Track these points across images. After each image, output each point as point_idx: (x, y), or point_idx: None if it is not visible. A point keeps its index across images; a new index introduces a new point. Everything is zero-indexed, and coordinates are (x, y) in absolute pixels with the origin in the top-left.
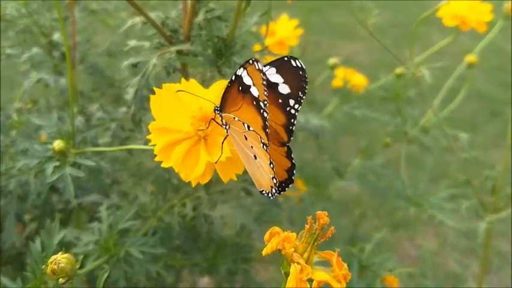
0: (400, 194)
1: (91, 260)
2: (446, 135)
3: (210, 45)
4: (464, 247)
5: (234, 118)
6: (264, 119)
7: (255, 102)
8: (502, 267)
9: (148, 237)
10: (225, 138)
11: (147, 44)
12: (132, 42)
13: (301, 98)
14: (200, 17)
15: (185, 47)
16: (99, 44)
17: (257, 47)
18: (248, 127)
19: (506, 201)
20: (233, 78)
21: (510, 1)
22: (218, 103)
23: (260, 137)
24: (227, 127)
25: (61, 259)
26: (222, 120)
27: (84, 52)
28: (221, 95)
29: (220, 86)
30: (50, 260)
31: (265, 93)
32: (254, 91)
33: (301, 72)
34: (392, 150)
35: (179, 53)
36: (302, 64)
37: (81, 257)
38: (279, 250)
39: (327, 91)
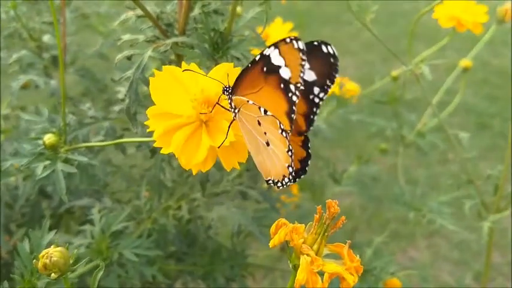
0: (398, 199)
1: (83, 264)
2: (444, 138)
3: (207, 39)
4: (457, 259)
5: (248, 101)
6: (292, 104)
7: (282, 85)
8: (495, 278)
9: (143, 239)
10: (231, 123)
11: (141, 37)
12: (126, 36)
13: (328, 86)
14: (196, 11)
15: (181, 39)
16: (91, 45)
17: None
18: (265, 111)
19: (508, 200)
20: (257, 58)
21: (504, 5)
22: (221, 86)
23: (280, 123)
24: (236, 111)
25: (53, 252)
26: (230, 103)
27: (74, 54)
28: (224, 77)
29: (222, 69)
30: (42, 254)
31: (301, 74)
32: (284, 72)
33: (332, 60)
34: (385, 158)
35: (175, 45)
36: (334, 50)
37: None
38: (287, 242)
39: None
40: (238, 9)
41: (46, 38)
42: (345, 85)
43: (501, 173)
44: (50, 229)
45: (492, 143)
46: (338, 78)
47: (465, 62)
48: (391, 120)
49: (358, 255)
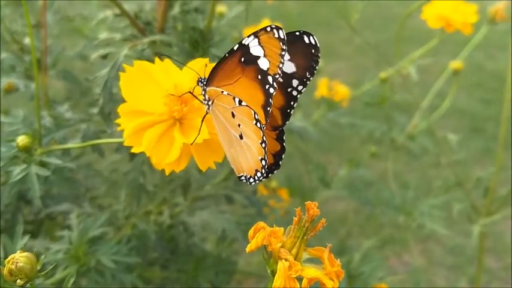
0: (389, 203)
1: (60, 270)
2: (434, 141)
3: (186, 38)
4: (451, 264)
5: (223, 92)
6: (268, 96)
7: (260, 76)
8: (490, 282)
9: (122, 245)
10: (204, 116)
11: (118, 36)
12: (103, 35)
13: (308, 79)
14: (176, 10)
15: (159, 37)
16: (72, 48)
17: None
18: (240, 102)
19: (499, 203)
20: (236, 48)
21: (494, 5)
22: (194, 83)
23: (254, 113)
24: (209, 103)
25: (19, 258)
26: (204, 95)
27: (56, 56)
28: (199, 72)
29: (197, 64)
30: (7, 259)
31: (281, 65)
32: (263, 63)
33: (313, 51)
34: (378, 162)
35: (153, 44)
36: (316, 41)
37: (50, 266)
38: (265, 246)
39: (312, 103)
40: (222, 8)
41: (27, 40)
42: (335, 88)
43: (492, 175)
44: (31, 234)
45: (486, 146)
46: (328, 82)
47: (455, 64)
48: (383, 123)
49: (339, 260)
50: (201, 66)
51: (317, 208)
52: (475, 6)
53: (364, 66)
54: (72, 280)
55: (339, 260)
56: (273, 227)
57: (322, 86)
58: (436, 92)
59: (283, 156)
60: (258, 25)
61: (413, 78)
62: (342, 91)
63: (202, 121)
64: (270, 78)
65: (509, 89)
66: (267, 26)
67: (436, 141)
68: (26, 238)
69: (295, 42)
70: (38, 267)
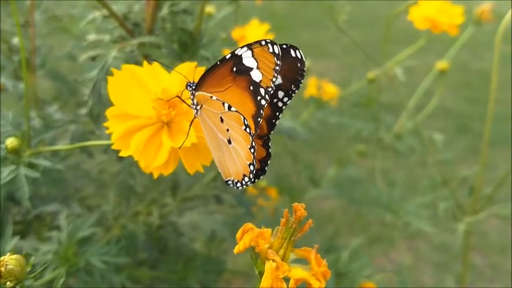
0: (376, 201)
1: (49, 271)
2: (421, 140)
3: (175, 39)
4: (438, 261)
5: (212, 97)
6: (260, 107)
7: (252, 87)
8: (474, 282)
9: (111, 246)
10: (193, 120)
11: (107, 37)
12: (92, 37)
13: (293, 91)
14: (164, 11)
15: (148, 39)
16: (61, 47)
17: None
18: (229, 107)
19: (484, 202)
20: (228, 57)
21: (480, 5)
22: (183, 86)
23: (244, 119)
24: (198, 107)
25: (9, 260)
26: (192, 100)
27: (44, 56)
28: (187, 77)
29: (186, 68)
30: None
31: (274, 79)
32: (255, 75)
33: (299, 64)
34: (367, 161)
35: (142, 45)
36: (302, 55)
37: (39, 266)
38: (252, 248)
39: (301, 103)
40: (210, 9)
41: (16, 40)
42: (323, 88)
43: (477, 174)
44: (20, 235)
45: (472, 145)
46: (317, 81)
47: (441, 64)
48: (370, 123)
49: (325, 260)
50: (190, 70)
51: (304, 209)
52: (461, 7)
53: (352, 65)
54: (61, 281)
55: (325, 260)
56: (261, 225)
57: (311, 85)
58: (422, 91)
59: (268, 162)
60: (246, 25)
61: (400, 79)
62: (330, 90)
63: (190, 125)
64: (262, 90)
65: (494, 89)
66: (262, 40)
67: (423, 140)
68: (16, 239)
69: (282, 55)
70: (28, 269)
